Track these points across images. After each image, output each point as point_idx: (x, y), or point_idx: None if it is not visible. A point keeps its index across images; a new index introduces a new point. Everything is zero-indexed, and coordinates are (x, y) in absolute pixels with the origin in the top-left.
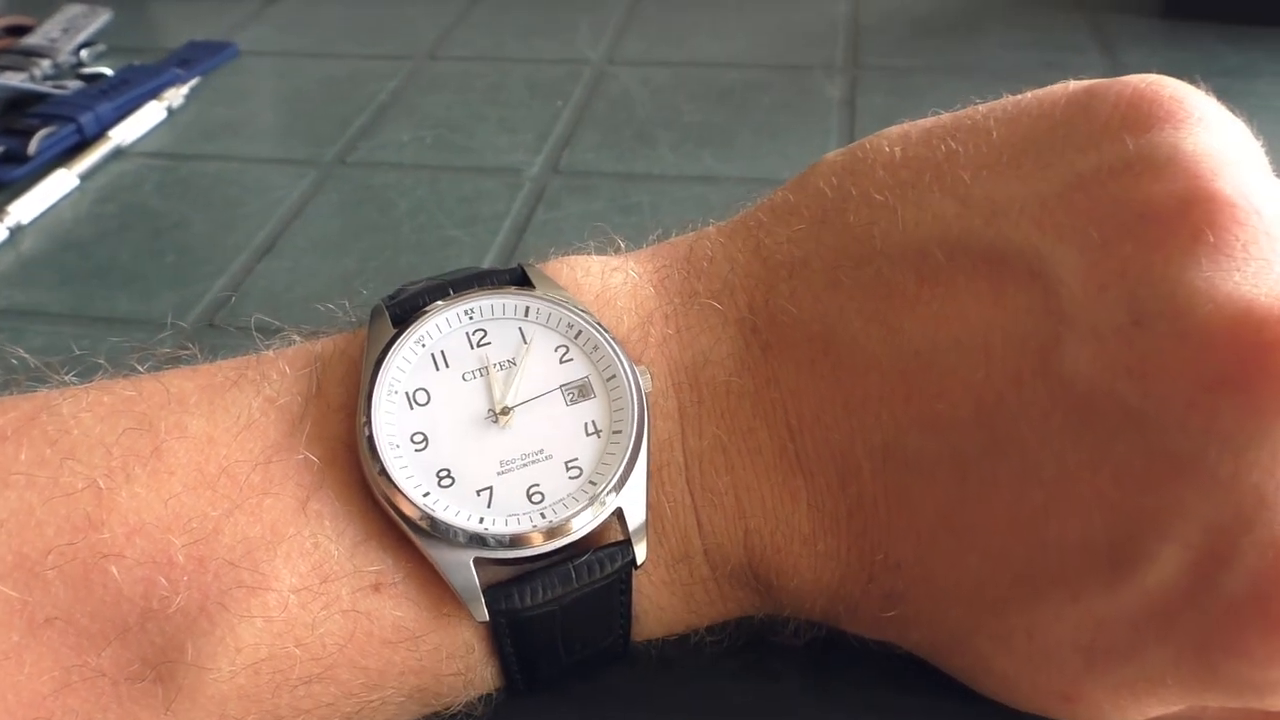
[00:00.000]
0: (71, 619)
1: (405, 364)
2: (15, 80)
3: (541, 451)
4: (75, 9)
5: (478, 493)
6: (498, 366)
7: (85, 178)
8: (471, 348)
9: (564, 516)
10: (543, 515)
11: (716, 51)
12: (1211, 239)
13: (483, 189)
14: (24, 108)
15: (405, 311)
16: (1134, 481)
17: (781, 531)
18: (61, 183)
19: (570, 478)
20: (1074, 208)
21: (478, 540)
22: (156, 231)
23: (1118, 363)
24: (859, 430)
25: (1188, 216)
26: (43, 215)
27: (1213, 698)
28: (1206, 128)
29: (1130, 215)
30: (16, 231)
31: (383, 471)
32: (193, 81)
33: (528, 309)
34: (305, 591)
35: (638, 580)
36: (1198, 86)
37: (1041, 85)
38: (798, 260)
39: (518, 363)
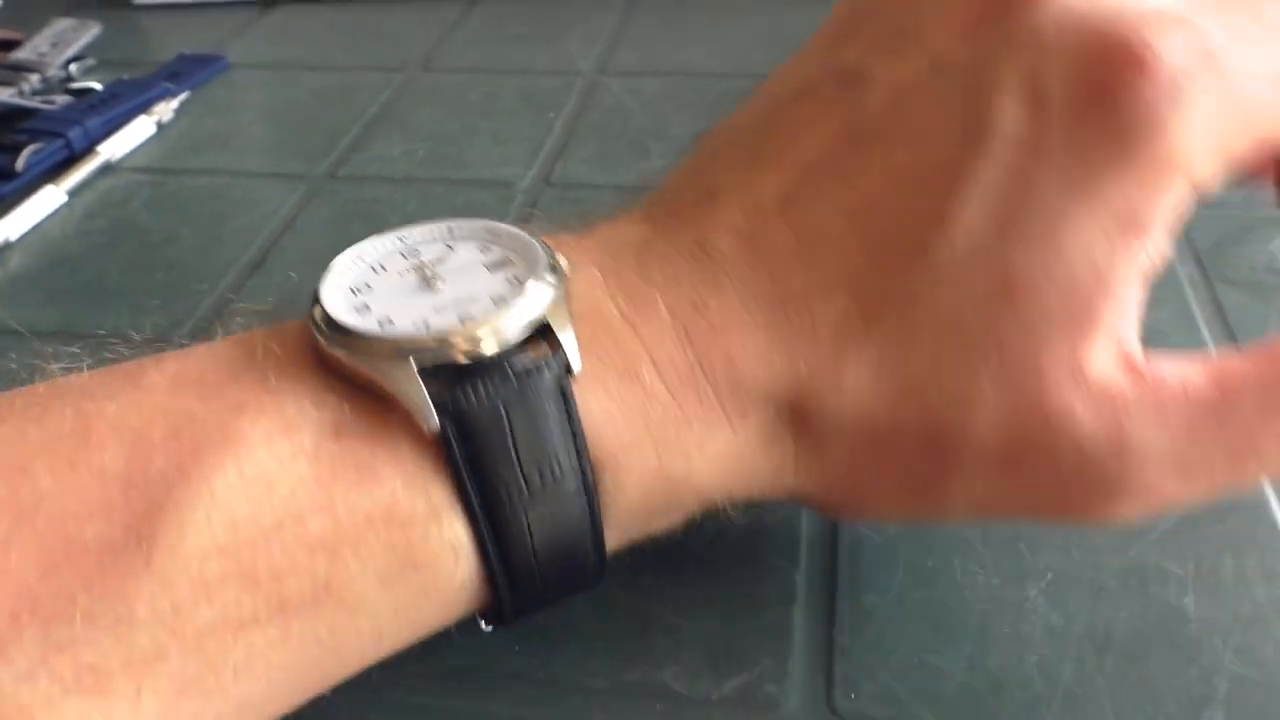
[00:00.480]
0: (57, 505)
1: (346, 269)
2: (3, 95)
3: (470, 297)
4: (64, 23)
5: (414, 324)
6: (429, 264)
7: (74, 193)
8: (405, 257)
9: (493, 322)
10: (474, 322)
11: (708, 62)
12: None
13: (475, 202)
14: (12, 123)
15: None
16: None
17: (720, 315)
18: (49, 199)
19: (495, 306)
20: (889, 34)
21: (416, 345)
22: (146, 247)
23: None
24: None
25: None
26: (31, 232)
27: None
28: None
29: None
30: (4, 249)
31: (326, 318)
32: (183, 95)
33: (450, 229)
34: (271, 442)
35: (590, 398)
36: None
37: None
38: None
39: (445, 258)
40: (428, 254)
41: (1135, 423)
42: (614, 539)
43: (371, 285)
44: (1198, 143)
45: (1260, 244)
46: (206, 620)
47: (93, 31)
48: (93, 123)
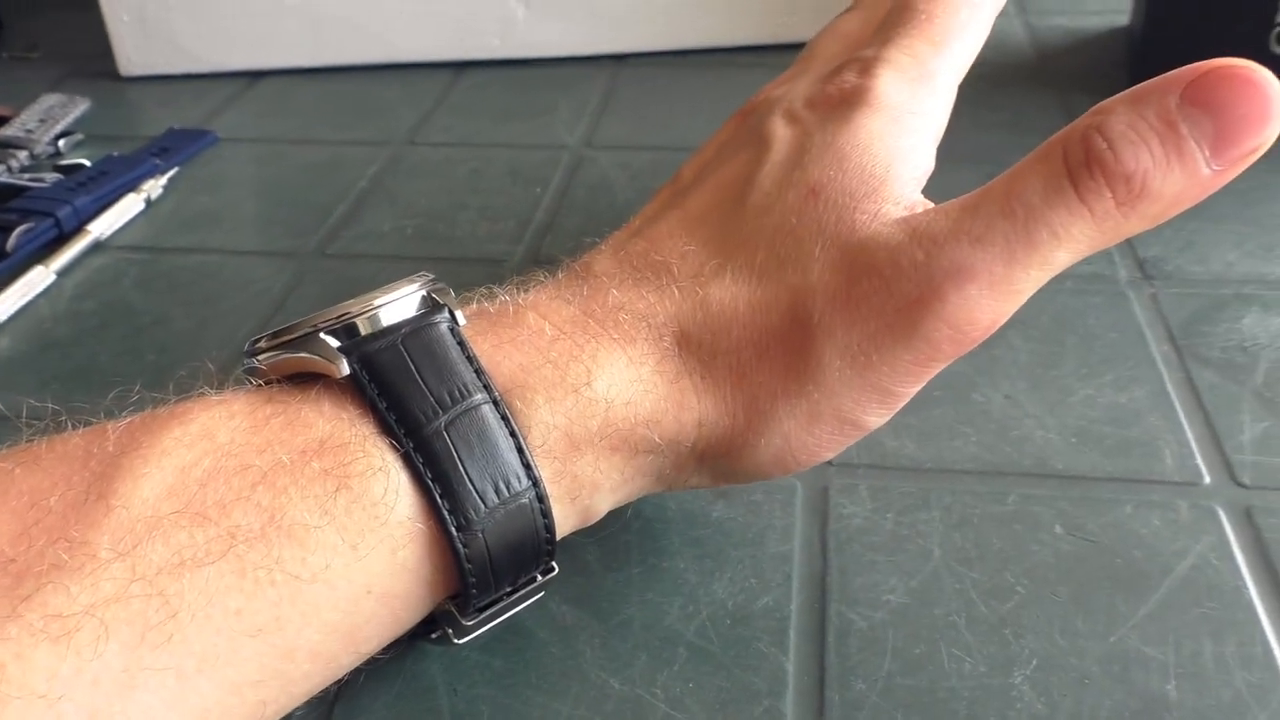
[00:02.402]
0: (25, 484)
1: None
2: None
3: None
4: (53, 99)
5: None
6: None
7: (63, 273)
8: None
9: (389, 302)
10: (372, 302)
11: (691, 134)
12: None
13: (465, 280)
14: (1, 201)
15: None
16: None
17: (600, 277)
18: (39, 279)
19: (389, 293)
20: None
21: (323, 320)
22: (136, 329)
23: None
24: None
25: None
26: (19, 313)
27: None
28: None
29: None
30: None
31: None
32: (172, 171)
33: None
34: (210, 409)
35: (481, 342)
36: None
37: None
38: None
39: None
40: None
41: (925, 221)
42: (555, 472)
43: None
44: (891, 87)
45: (1231, 322)
46: (164, 558)
47: (82, 107)
48: (82, 201)
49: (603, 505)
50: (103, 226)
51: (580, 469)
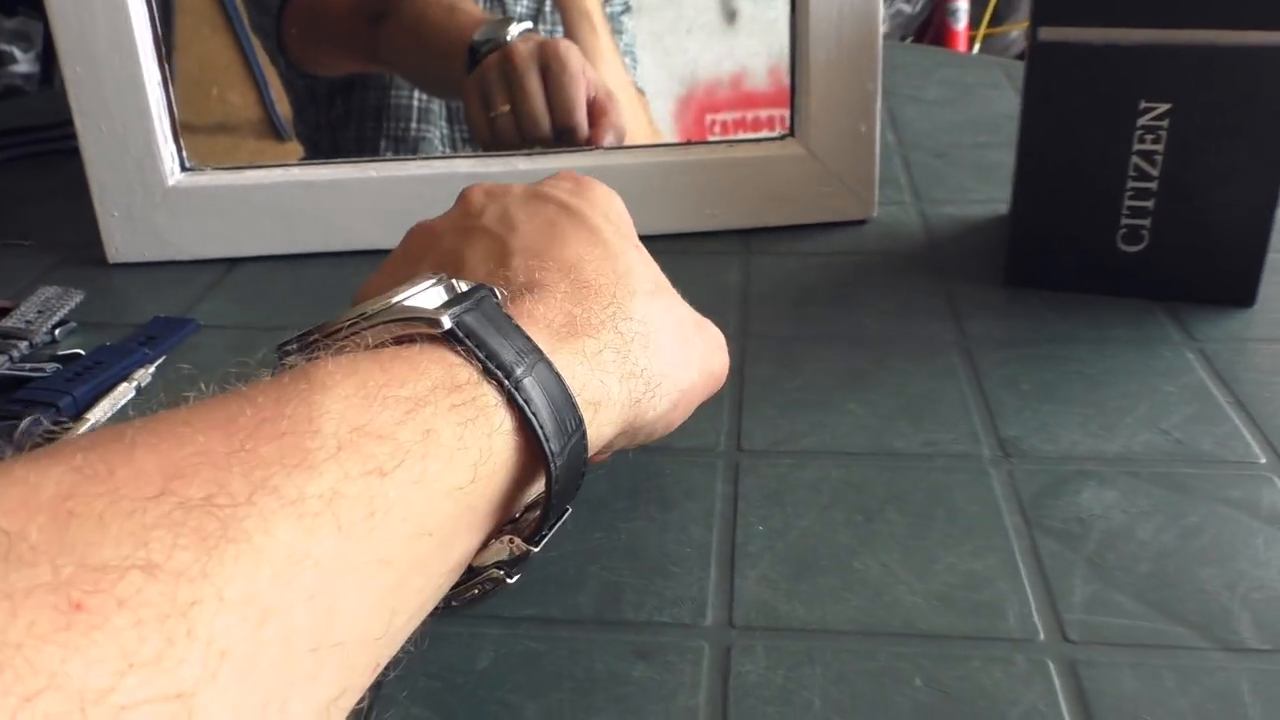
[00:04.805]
0: (220, 412)
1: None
2: None
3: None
4: (49, 290)
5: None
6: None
7: None
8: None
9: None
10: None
11: None
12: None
13: None
14: (5, 392)
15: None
16: None
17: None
18: None
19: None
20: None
21: (410, 290)
22: None
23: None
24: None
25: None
26: None
27: None
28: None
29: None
30: None
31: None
32: (159, 360)
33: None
34: (342, 364)
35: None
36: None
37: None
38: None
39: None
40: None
41: None
42: (585, 378)
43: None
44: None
45: (1072, 495)
46: (360, 466)
47: (76, 299)
48: (80, 391)
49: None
50: (99, 414)
51: (600, 421)
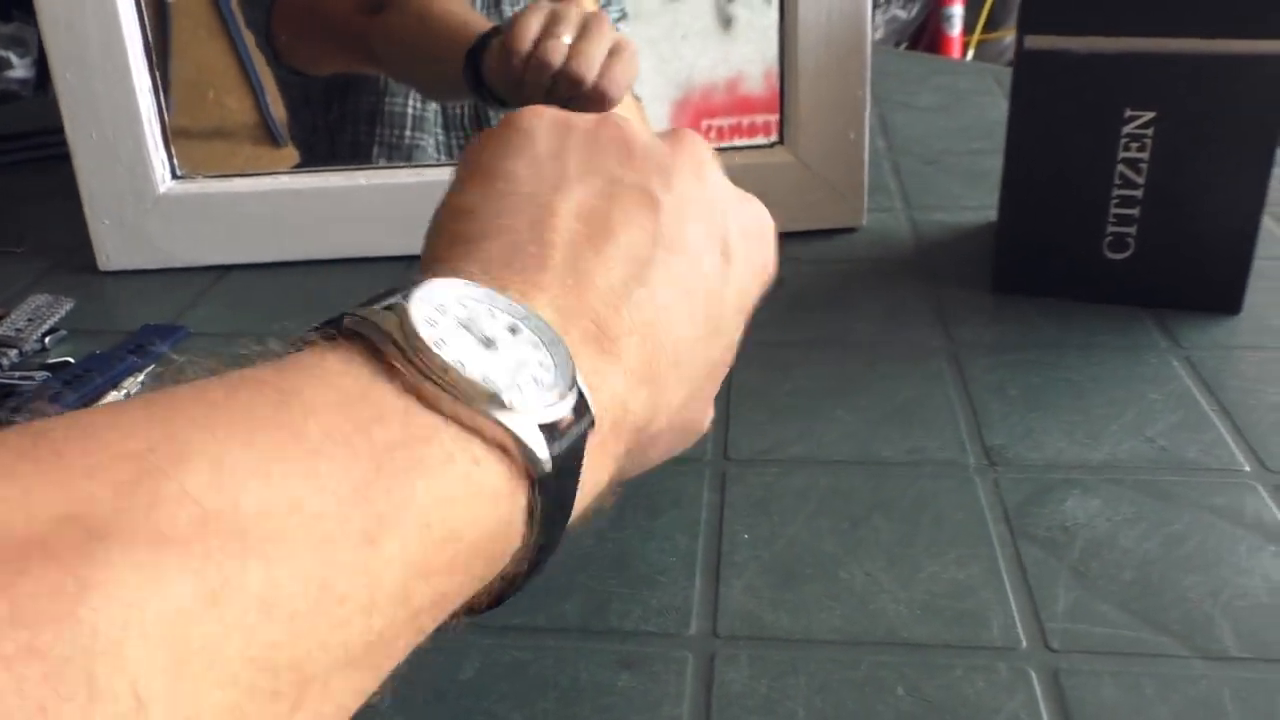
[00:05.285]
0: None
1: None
2: None
3: (523, 361)
4: (40, 299)
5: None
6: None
7: None
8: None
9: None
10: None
11: None
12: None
13: None
14: None
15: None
16: None
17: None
18: None
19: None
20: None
21: (515, 403)
22: None
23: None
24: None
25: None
26: None
27: None
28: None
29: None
30: None
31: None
32: (149, 368)
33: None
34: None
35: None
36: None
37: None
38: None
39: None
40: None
41: None
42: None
43: (438, 325)
44: None
45: (1056, 504)
46: (400, 615)
47: (67, 307)
48: (70, 399)
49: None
50: None
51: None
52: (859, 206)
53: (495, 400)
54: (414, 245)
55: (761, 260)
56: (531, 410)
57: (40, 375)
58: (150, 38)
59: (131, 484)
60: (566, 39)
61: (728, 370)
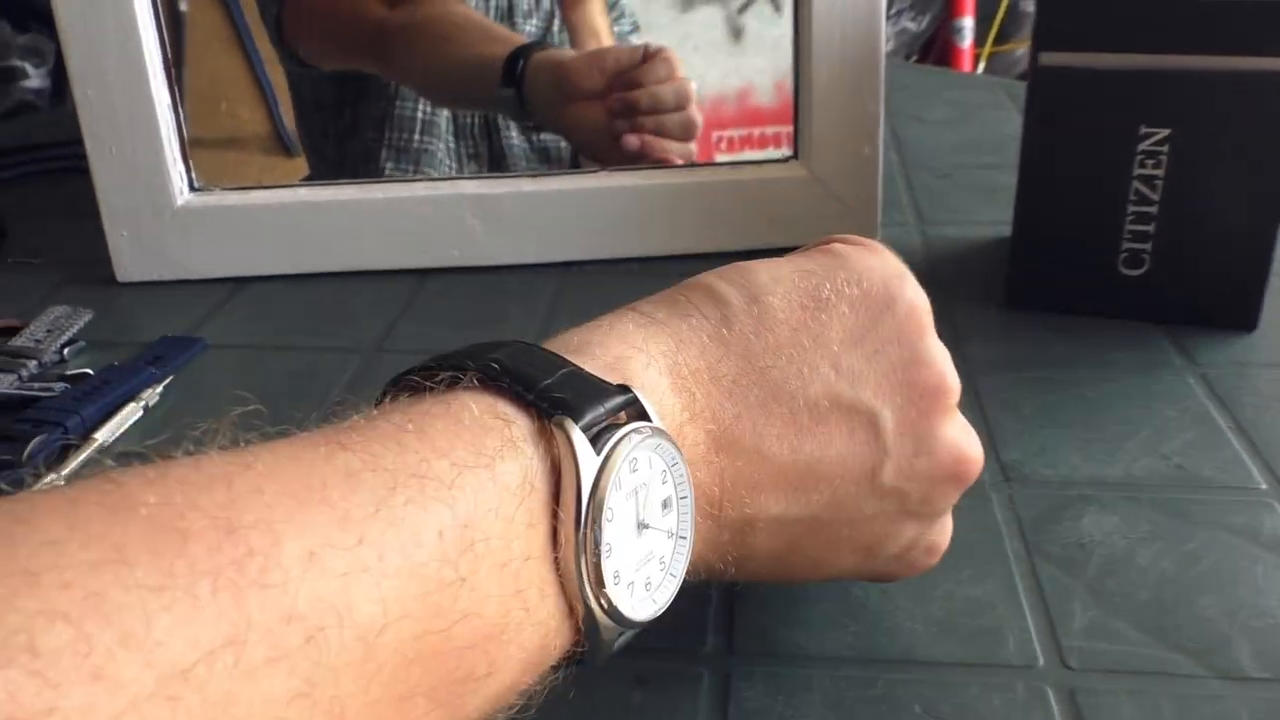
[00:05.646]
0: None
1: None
2: (5, 384)
3: (651, 554)
4: (59, 310)
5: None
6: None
7: (70, 478)
8: (631, 471)
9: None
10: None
11: None
12: (948, 406)
13: None
14: (14, 411)
15: (596, 431)
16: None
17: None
18: (47, 486)
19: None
20: (891, 385)
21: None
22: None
23: (907, 474)
24: (761, 503)
25: (941, 394)
26: None
27: None
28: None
29: (916, 392)
30: None
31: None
32: (167, 380)
33: (658, 445)
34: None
35: None
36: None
37: None
38: (738, 393)
39: (649, 483)
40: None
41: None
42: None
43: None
44: None
45: (1072, 520)
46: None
47: (85, 318)
48: (88, 410)
49: None
50: (106, 434)
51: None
52: (873, 222)
53: (601, 595)
54: (429, 257)
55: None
56: (620, 609)
57: (59, 386)
58: (169, 51)
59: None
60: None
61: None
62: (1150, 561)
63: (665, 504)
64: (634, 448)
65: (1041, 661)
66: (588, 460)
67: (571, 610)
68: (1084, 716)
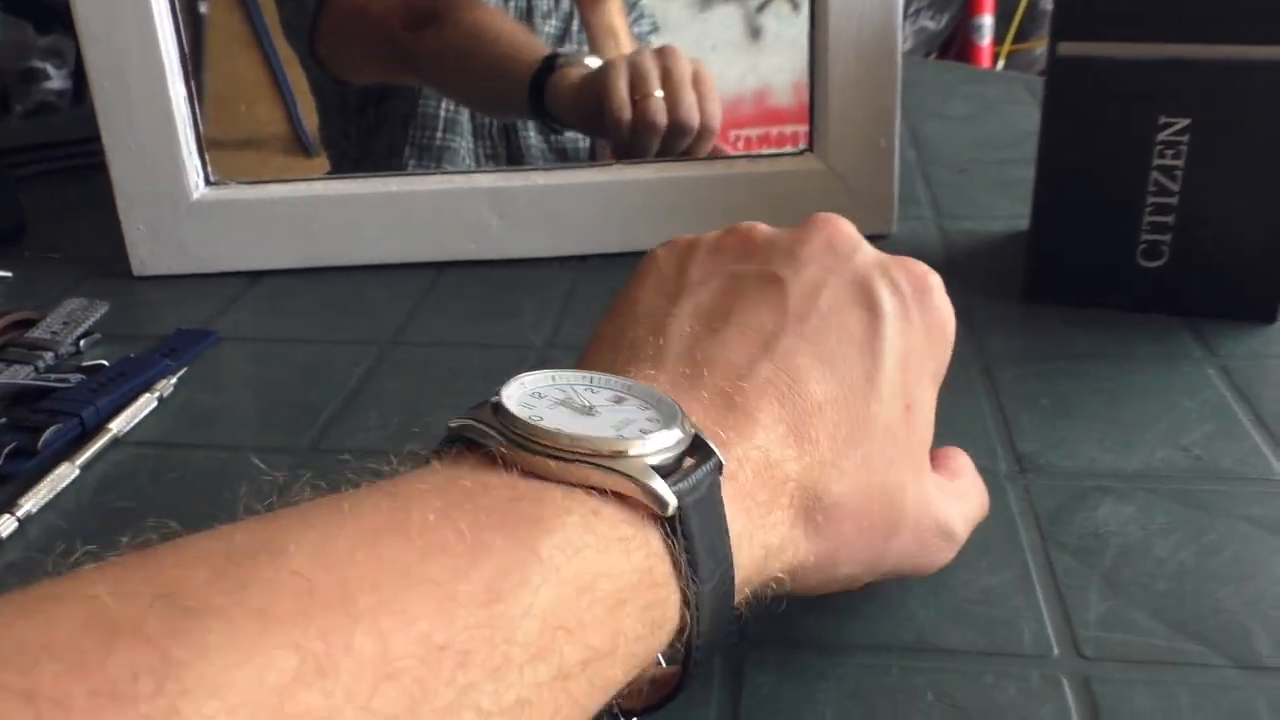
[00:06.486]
0: (423, 570)
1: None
2: (22, 375)
3: (628, 421)
4: (75, 302)
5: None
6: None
7: (85, 467)
8: (559, 391)
9: (669, 437)
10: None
11: None
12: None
13: None
14: (30, 402)
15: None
16: None
17: (766, 444)
18: (66, 475)
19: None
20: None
21: (632, 449)
22: (150, 523)
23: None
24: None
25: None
26: (47, 506)
27: None
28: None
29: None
30: (25, 522)
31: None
32: (181, 371)
33: (591, 378)
34: (563, 523)
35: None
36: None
37: None
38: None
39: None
40: (576, 392)
41: (954, 501)
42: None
43: (534, 407)
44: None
45: (1089, 511)
46: (550, 673)
47: (101, 310)
48: (103, 401)
49: None
50: (121, 424)
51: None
52: (889, 215)
53: (601, 454)
54: (445, 251)
55: (929, 316)
56: (641, 454)
57: (74, 377)
58: (186, 47)
59: (230, 565)
60: (658, 93)
61: (923, 439)
62: (1168, 552)
63: (617, 400)
64: (524, 383)
65: (1057, 651)
66: (481, 413)
67: (596, 487)
68: (1099, 705)
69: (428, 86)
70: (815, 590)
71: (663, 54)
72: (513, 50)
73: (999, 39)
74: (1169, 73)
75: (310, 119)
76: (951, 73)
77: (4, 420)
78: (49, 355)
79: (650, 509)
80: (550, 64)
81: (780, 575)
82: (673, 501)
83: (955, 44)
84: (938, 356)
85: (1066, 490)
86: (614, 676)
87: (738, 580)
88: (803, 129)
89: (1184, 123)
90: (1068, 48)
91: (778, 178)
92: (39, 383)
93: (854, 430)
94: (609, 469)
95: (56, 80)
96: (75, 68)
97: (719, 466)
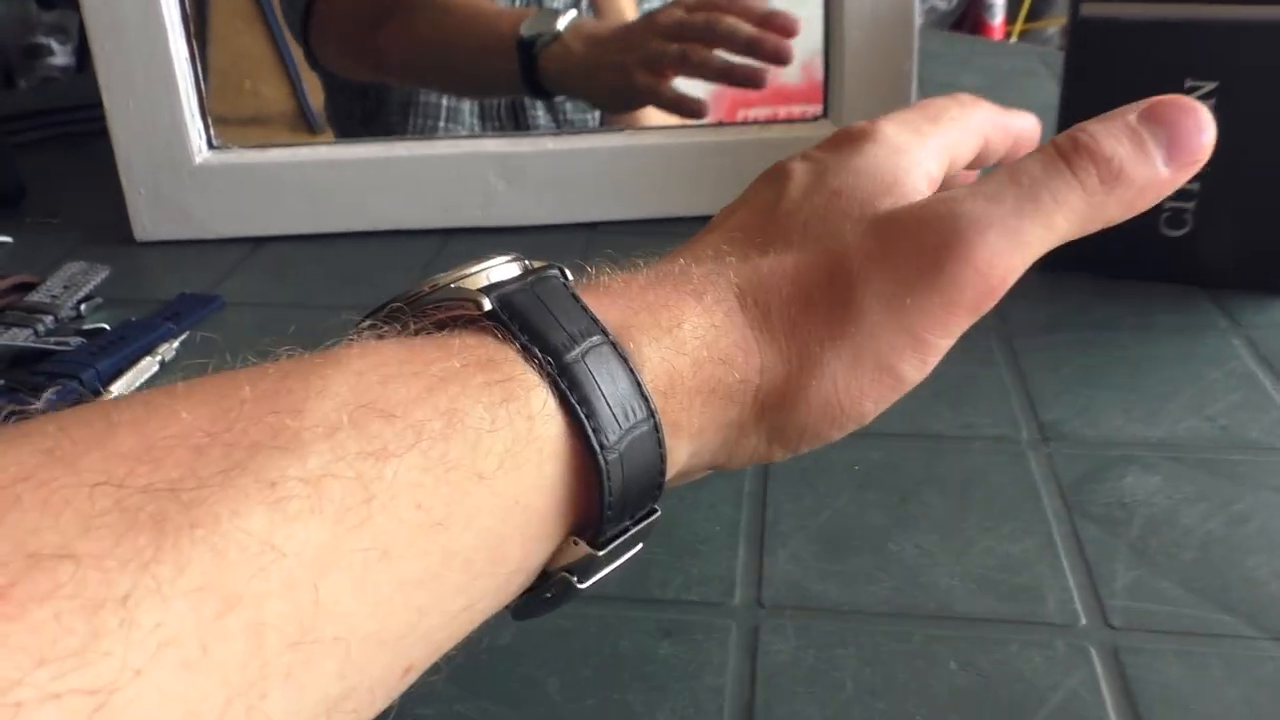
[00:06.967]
0: (213, 382)
1: None
2: (21, 338)
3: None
4: (75, 266)
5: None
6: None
7: None
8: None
9: (502, 266)
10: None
11: None
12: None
13: None
14: (30, 364)
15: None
16: None
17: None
18: None
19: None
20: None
21: (457, 275)
22: None
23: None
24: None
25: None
26: None
27: None
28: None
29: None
30: None
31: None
32: (183, 335)
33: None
34: (370, 342)
35: (588, 295)
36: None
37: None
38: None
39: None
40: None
41: (942, 192)
42: (662, 388)
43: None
44: (891, 129)
45: (1114, 480)
46: (360, 446)
47: (102, 274)
48: (104, 364)
49: (680, 455)
50: (121, 387)
51: (670, 408)
52: None
53: (439, 285)
54: (449, 217)
55: (855, 160)
56: (464, 275)
57: (75, 341)
58: (187, 9)
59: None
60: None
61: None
62: (1195, 522)
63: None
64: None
65: (1084, 620)
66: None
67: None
68: (1129, 676)
69: (408, 85)
70: (815, 411)
71: None
72: (489, 23)
73: (1011, 18)
74: (1196, 34)
75: (316, 96)
76: (965, 44)
77: (3, 382)
78: (49, 319)
79: (472, 313)
80: (529, 49)
81: (745, 378)
82: (487, 298)
83: (966, 23)
84: (879, 180)
85: (1090, 459)
86: (461, 458)
87: (660, 356)
88: (812, 109)
89: (1210, 86)
90: (1091, 8)
91: (791, 145)
92: (39, 345)
93: (766, 227)
94: (431, 301)
95: (60, 56)
96: (79, 42)
97: (560, 272)
